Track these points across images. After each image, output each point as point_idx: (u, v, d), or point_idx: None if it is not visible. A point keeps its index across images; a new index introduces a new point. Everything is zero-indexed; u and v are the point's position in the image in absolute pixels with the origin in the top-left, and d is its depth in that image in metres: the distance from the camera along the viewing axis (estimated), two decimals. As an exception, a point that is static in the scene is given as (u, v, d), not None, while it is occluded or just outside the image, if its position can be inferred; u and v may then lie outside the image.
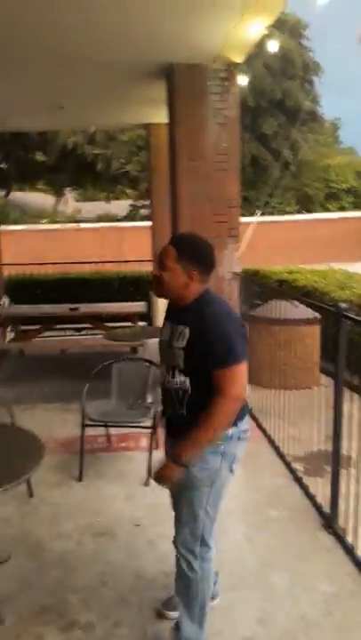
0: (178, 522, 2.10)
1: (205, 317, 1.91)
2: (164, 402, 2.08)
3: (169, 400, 2.03)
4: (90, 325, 6.87)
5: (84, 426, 3.51)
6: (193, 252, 1.98)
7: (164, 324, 2.10)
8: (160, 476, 1.97)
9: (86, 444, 3.54)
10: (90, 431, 3.62)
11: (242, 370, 1.90)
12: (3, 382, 5.53)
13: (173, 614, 2.21)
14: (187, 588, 2.07)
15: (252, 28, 4.04)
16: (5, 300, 7.34)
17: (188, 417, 1.96)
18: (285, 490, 3.36)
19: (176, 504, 2.12)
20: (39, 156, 18.10)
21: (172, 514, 2.16)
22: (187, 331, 1.92)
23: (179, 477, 1.93)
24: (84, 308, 6.35)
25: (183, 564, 2.07)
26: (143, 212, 19.73)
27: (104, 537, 2.90)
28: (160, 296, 2.02)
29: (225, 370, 1.86)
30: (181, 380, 1.96)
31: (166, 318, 2.10)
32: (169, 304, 2.10)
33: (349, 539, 2.70)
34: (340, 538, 2.79)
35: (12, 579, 2.58)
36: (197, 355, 1.90)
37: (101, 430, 3.84)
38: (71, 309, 6.10)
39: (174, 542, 2.12)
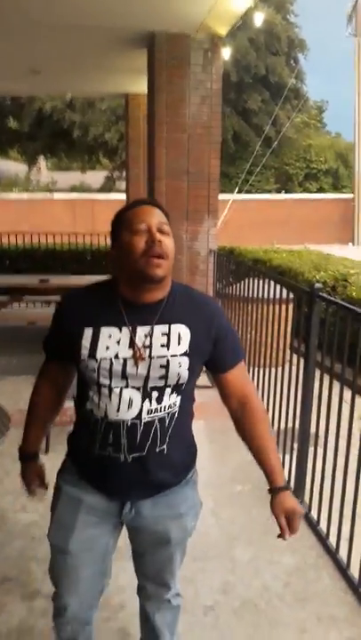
0: (164, 578, 1.63)
1: (208, 303, 1.50)
2: (119, 443, 1.40)
3: (135, 439, 1.39)
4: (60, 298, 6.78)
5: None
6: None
7: (97, 331, 1.38)
8: (297, 518, 1.51)
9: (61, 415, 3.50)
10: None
11: None
12: (-30, 352, 5.43)
13: None
14: (176, 617, 1.77)
15: (238, 0, 3.95)
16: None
17: (169, 454, 1.43)
18: (253, 465, 3.34)
19: (157, 564, 1.60)
20: (12, 123, 17.59)
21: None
22: (184, 329, 1.39)
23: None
24: (55, 280, 6.25)
25: (176, 599, 1.71)
26: (119, 184, 19.43)
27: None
28: (160, 279, 1.35)
29: (243, 361, 1.52)
30: (172, 402, 1.41)
31: (103, 321, 1.38)
32: (106, 295, 1.41)
33: (313, 514, 2.76)
34: (304, 512, 2.85)
35: (-25, 549, 2.56)
36: (202, 358, 1.44)
37: (70, 403, 3.80)
38: (41, 281, 6.00)
39: (161, 600, 1.67)
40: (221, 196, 5.38)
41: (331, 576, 2.43)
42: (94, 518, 1.50)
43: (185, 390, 1.43)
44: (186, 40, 4.65)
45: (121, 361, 1.36)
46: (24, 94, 13.12)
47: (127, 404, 1.37)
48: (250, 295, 4.07)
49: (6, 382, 4.70)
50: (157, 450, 1.41)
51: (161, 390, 1.39)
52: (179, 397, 1.42)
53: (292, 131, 18.40)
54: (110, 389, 1.38)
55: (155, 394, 1.38)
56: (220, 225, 5.14)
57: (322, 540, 2.64)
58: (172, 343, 1.38)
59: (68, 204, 15.94)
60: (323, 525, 2.65)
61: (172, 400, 1.41)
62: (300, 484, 2.93)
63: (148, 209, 1.39)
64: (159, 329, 1.38)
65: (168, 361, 1.37)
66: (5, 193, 17.87)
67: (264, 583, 2.38)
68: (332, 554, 2.53)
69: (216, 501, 3.01)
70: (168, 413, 1.41)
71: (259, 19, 4.99)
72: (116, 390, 1.37)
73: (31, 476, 1.71)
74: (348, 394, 2.55)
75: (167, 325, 1.39)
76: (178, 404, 1.42)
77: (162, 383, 1.38)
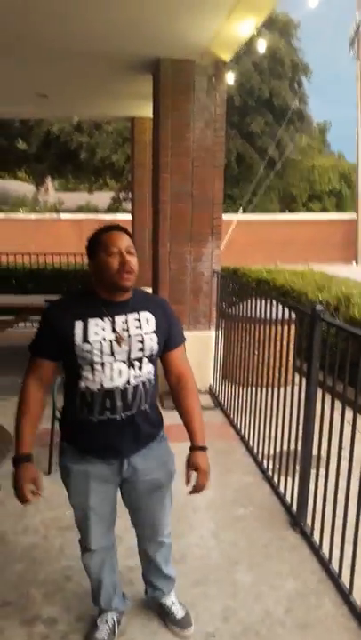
0: (159, 523, 2.08)
1: (159, 299, 2.05)
2: (115, 406, 1.83)
3: (127, 400, 1.84)
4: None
5: (54, 419, 3.48)
6: None
7: (86, 322, 1.79)
8: (206, 475, 1.95)
9: (56, 437, 3.51)
10: (61, 424, 3.58)
11: None
12: (-25, 372, 5.44)
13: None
14: (169, 551, 2.23)
15: (242, 27, 4.03)
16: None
17: (150, 411, 1.92)
18: (255, 488, 3.39)
19: (152, 510, 2.04)
20: (21, 145, 17.85)
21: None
22: (149, 315, 1.88)
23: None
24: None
25: (168, 539, 2.17)
26: (125, 204, 19.59)
27: (71, 531, 2.86)
28: (129, 288, 1.83)
29: (184, 343, 2.01)
30: (149, 369, 1.88)
31: (89, 315, 1.80)
32: (87, 298, 1.85)
33: (316, 537, 2.73)
34: (306, 536, 2.82)
35: (-25, 571, 2.55)
36: (163, 336, 1.90)
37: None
38: (47, 301, 6.03)
39: (157, 542, 2.13)
40: (225, 216, 5.42)
41: (333, 602, 2.39)
42: (101, 481, 1.91)
43: (154, 361, 1.90)
44: (190, 66, 4.74)
45: (108, 342, 1.79)
46: (32, 117, 13.35)
47: (118, 374, 1.81)
48: (253, 315, 4.08)
49: (9, 403, 4.68)
50: (142, 408, 1.87)
51: (140, 360, 1.84)
52: (152, 366, 1.89)
53: (295, 152, 18.54)
54: (103, 365, 1.79)
55: (137, 363, 1.83)
56: (223, 245, 5.16)
57: (324, 564, 2.60)
58: (143, 325, 1.85)
59: (74, 224, 16.08)
60: (325, 550, 2.62)
61: (148, 367, 1.87)
62: (302, 507, 2.91)
63: (119, 235, 1.80)
64: (132, 316, 1.85)
65: (143, 338, 1.83)
66: (13, 213, 18.06)
67: (266, 609, 2.35)
68: (334, 579, 2.50)
69: (217, 524, 2.99)
70: (147, 379, 1.87)
71: (262, 46, 5.08)
72: (108, 365, 1.80)
73: (26, 479, 1.82)
74: (350, 414, 2.54)
75: (137, 313, 1.86)
76: (152, 371, 1.89)
77: (140, 355, 1.83)
